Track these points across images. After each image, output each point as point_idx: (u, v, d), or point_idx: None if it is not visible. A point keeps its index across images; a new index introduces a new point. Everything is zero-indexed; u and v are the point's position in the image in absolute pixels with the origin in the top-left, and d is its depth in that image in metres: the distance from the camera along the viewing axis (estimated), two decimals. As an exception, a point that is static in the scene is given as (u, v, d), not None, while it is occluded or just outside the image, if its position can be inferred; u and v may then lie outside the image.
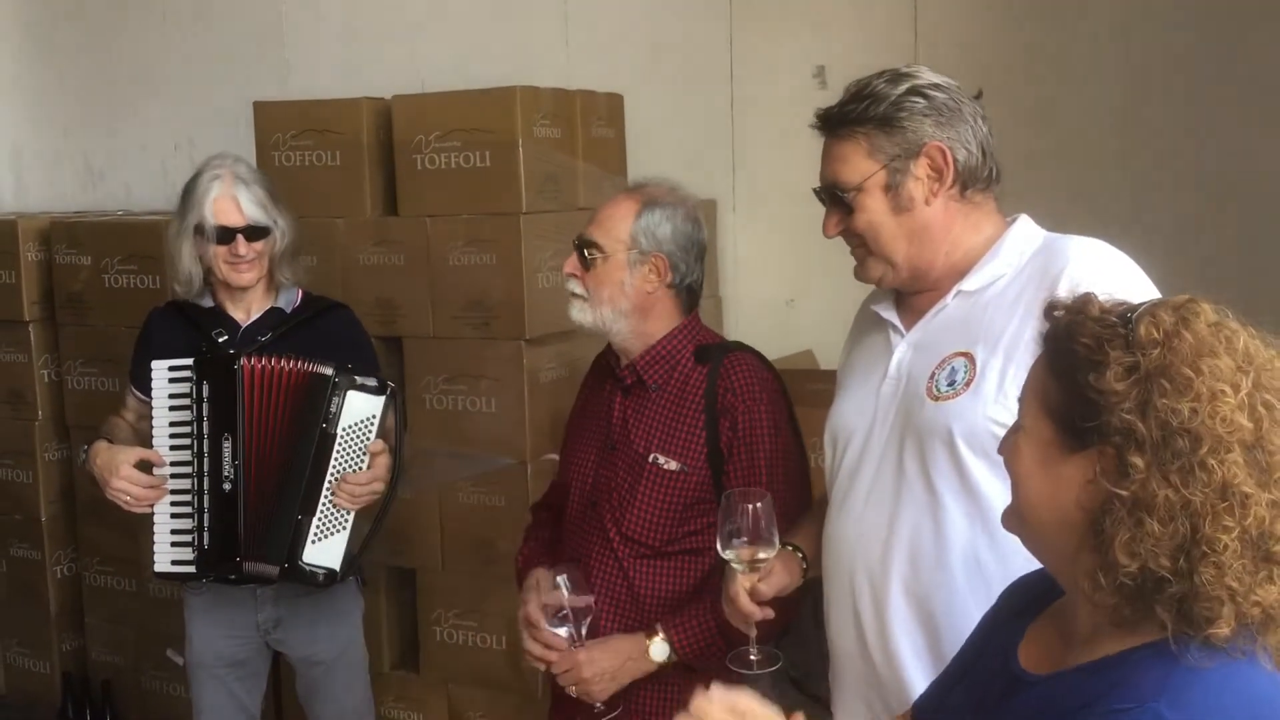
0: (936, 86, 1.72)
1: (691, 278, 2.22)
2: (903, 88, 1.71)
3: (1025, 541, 1.28)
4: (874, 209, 1.72)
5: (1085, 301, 1.21)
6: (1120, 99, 3.24)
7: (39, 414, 3.90)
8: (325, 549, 2.51)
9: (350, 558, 2.56)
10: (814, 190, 1.81)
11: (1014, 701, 1.24)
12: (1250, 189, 3.08)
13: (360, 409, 2.49)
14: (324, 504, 2.50)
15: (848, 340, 1.99)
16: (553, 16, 3.87)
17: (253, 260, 2.58)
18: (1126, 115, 3.23)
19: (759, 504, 1.77)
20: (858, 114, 1.71)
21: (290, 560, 2.50)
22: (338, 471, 2.49)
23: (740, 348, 2.24)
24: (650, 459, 2.13)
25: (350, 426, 2.49)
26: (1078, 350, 1.16)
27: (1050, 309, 1.24)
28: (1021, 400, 1.26)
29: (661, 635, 2.08)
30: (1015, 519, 1.27)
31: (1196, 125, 3.15)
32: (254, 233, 2.58)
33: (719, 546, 1.80)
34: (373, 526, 2.59)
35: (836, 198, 1.75)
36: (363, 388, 2.50)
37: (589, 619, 1.98)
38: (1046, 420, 1.20)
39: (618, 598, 2.16)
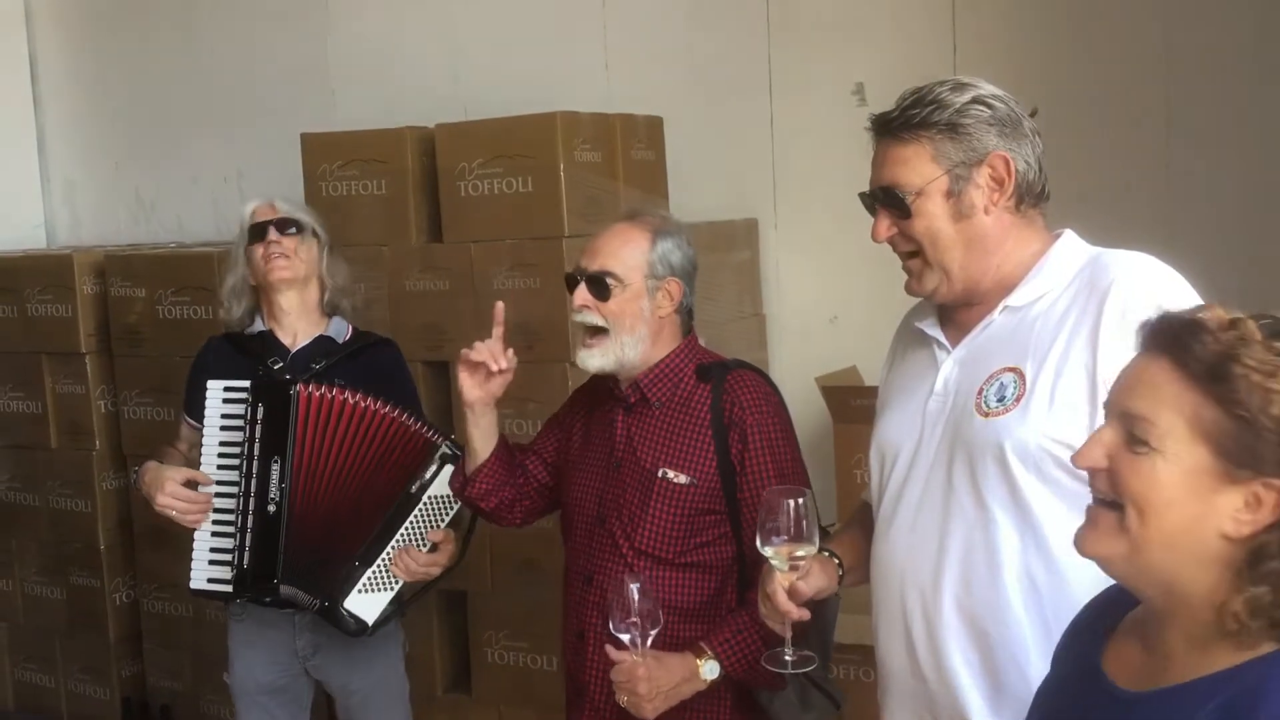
0: (997, 98, 1.72)
1: (691, 300, 2.28)
2: (967, 96, 1.70)
3: (1129, 572, 1.23)
4: (934, 214, 1.71)
5: (1245, 325, 1.16)
6: (1162, 113, 3.22)
7: (97, 444, 3.97)
8: (367, 602, 2.55)
9: (383, 618, 2.59)
10: (862, 195, 1.79)
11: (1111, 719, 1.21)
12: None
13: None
14: (383, 560, 2.54)
15: (889, 357, 1.98)
16: (593, 41, 3.91)
17: (287, 254, 2.63)
18: (1168, 130, 3.21)
19: (800, 500, 1.77)
20: (921, 118, 1.70)
21: (331, 599, 2.53)
22: (407, 535, 2.53)
23: (741, 365, 2.27)
24: (660, 474, 2.17)
25: (435, 498, 2.53)
26: (1246, 377, 1.13)
27: (1194, 329, 1.18)
28: (1143, 419, 1.18)
29: (711, 655, 2.09)
30: (1130, 545, 1.20)
31: (1242, 138, 3.12)
32: (285, 224, 2.65)
33: (758, 543, 1.80)
34: (410, 597, 2.65)
35: (893, 201, 1.73)
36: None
37: (655, 630, 1.95)
38: (1201, 446, 1.15)
39: None
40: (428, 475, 2.52)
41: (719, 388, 2.19)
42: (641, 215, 2.27)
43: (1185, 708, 1.15)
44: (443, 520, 2.54)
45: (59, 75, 5.04)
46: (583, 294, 2.19)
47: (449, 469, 2.51)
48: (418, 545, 2.54)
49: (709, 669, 2.08)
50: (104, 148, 4.97)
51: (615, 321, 2.17)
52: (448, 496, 2.52)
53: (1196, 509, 1.15)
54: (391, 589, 2.56)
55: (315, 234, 2.70)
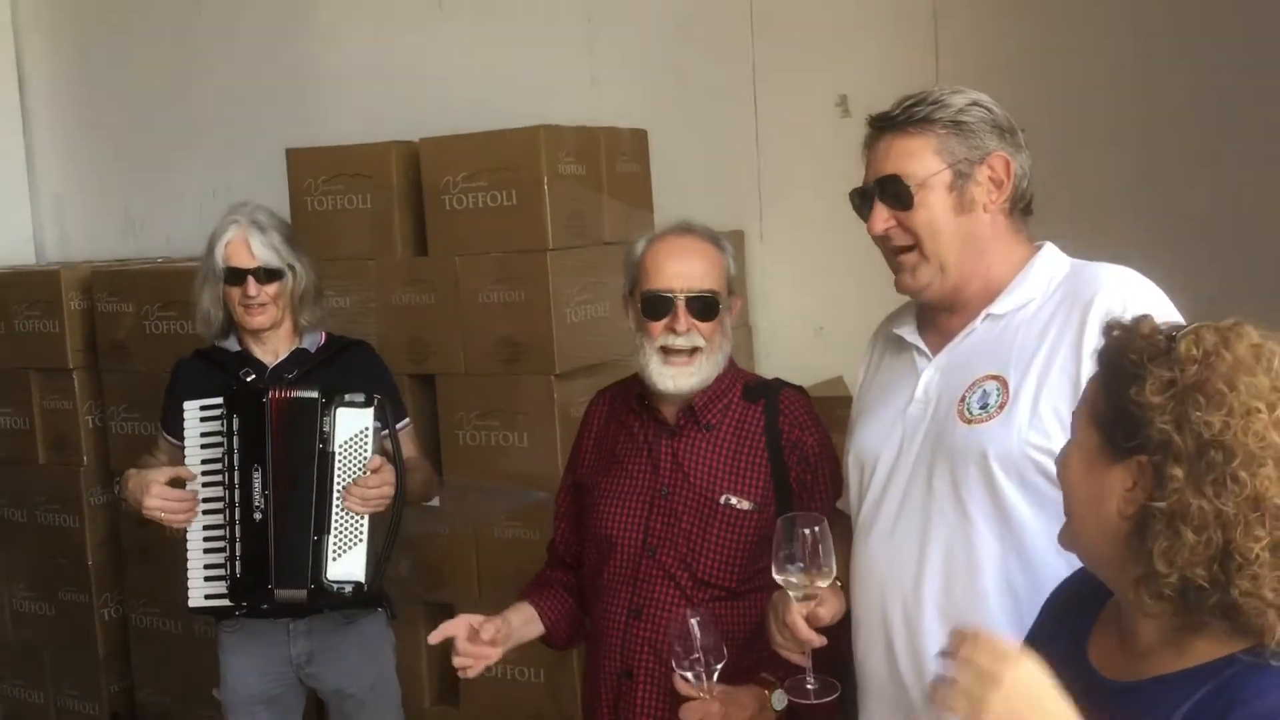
0: (995, 105, 1.76)
1: None
2: (968, 99, 1.74)
3: (1081, 556, 1.33)
4: (937, 205, 1.72)
5: (1139, 320, 1.26)
6: (1143, 127, 3.23)
7: (84, 460, 3.97)
8: (347, 563, 2.56)
9: (375, 567, 2.59)
10: (855, 191, 1.80)
11: (1097, 706, 1.22)
12: (1273, 216, 3.05)
13: (352, 424, 2.56)
14: (337, 520, 2.55)
15: (865, 363, 1.99)
16: (578, 54, 3.93)
17: (265, 303, 2.65)
18: (1148, 143, 3.22)
19: (816, 528, 1.73)
20: (925, 115, 1.73)
21: (316, 580, 2.55)
22: (342, 487, 2.54)
23: (784, 384, 2.24)
24: (723, 500, 2.11)
25: (346, 442, 2.56)
26: (1124, 365, 1.22)
27: (1109, 328, 1.28)
28: (1075, 413, 1.30)
29: (776, 684, 1.99)
30: (1068, 532, 1.31)
31: (1220, 152, 3.13)
32: (265, 275, 2.64)
33: (774, 571, 1.75)
34: (388, 536, 2.62)
35: (896, 191, 1.74)
36: (349, 403, 2.56)
37: (720, 665, 1.85)
38: (1093, 429, 1.25)
39: None
40: (325, 428, 2.54)
41: (773, 407, 2.14)
42: (696, 228, 2.20)
43: (1164, 702, 1.19)
44: (364, 455, 2.55)
45: (47, 91, 5.05)
46: (686, 318, 2.10)
47: (340, 411, 2.55)
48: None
49: (778, 699, 1.99)
50: (92, 163, 4.98)
51: (714, 343, 2.12)
52: (356, 435, 2.55)
53: (1094, 489, 1.24)
54: (361, 539, 2.56)
55: (291, 268, 2.68)
